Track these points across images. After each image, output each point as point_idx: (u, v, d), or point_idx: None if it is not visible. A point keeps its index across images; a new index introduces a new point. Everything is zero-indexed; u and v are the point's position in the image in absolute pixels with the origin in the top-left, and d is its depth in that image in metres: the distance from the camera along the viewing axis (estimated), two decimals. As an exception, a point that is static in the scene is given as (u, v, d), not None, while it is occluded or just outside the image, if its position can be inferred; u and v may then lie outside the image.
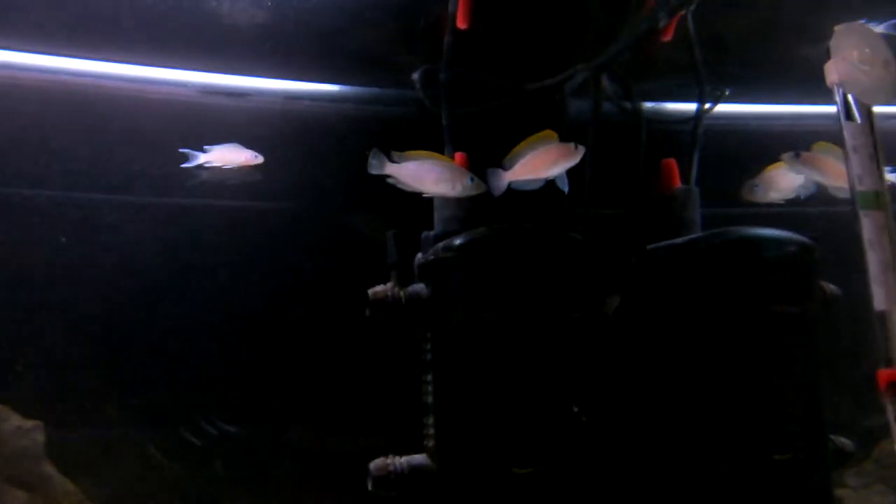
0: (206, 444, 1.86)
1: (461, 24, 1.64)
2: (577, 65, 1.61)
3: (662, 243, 1.58)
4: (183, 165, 1.72)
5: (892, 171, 1.51)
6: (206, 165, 1.73)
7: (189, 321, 1.88)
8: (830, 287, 1.51)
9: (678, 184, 1.74)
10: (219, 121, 1.86)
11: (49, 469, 1.81)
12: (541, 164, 1.40)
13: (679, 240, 1.54)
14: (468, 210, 1.56)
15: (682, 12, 1.47)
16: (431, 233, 1.52)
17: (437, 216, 1.62)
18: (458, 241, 1.38)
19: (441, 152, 1.64)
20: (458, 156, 1.66)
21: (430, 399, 1.44)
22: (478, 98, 1.74)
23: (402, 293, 1.43)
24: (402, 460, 1.37)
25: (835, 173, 1.39)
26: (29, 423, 1.81)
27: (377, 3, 1.78)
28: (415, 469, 1.35)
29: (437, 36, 1.69)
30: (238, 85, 1.90)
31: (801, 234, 1.46)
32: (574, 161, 1.40)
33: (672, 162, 1.76)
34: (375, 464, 1.36)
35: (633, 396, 1.52)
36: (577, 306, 1.40)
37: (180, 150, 1.72)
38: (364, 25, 1.79)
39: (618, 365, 1.51)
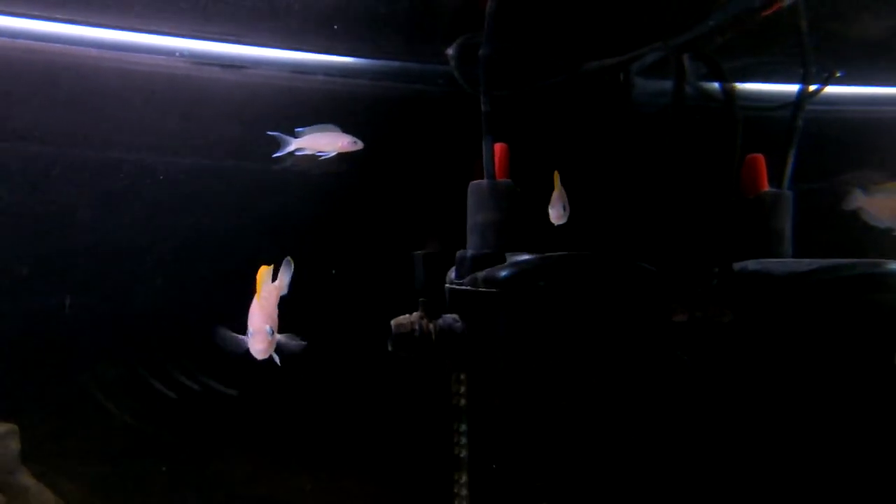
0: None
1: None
2: (645, 38, 1.30)
3: (751, 264, 1.28)
4: (274, 155, 1.46)
5: None
6: (298, 153, 1.48)
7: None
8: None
9: (766, 186, 1.43)
10: (210, 97, 1.58)
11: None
12: None
13: (776, 267, 1.22)
14: (512, 228, 1.28)
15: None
16: (468, 253, 1.24)
17: (475, 230, 1.34)
18: (503, 274, 1.12)
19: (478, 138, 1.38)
20: (499, 147, 1.40)
21: (462, 453, 1.25)
22: (524, 78, 1.43)
23: (431, 326, 1.19)
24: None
25: None
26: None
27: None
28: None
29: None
30: (236, 54, 1.60)
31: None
32: None
33: (760, 158, 1.44)
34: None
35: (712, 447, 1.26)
36: (648, 347, 1.16)
37: (268, 133, 1.45)
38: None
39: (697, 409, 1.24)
